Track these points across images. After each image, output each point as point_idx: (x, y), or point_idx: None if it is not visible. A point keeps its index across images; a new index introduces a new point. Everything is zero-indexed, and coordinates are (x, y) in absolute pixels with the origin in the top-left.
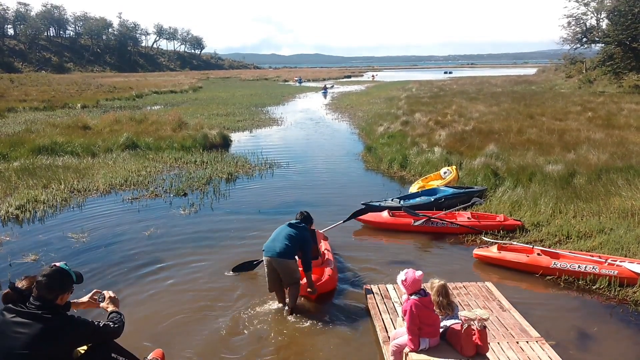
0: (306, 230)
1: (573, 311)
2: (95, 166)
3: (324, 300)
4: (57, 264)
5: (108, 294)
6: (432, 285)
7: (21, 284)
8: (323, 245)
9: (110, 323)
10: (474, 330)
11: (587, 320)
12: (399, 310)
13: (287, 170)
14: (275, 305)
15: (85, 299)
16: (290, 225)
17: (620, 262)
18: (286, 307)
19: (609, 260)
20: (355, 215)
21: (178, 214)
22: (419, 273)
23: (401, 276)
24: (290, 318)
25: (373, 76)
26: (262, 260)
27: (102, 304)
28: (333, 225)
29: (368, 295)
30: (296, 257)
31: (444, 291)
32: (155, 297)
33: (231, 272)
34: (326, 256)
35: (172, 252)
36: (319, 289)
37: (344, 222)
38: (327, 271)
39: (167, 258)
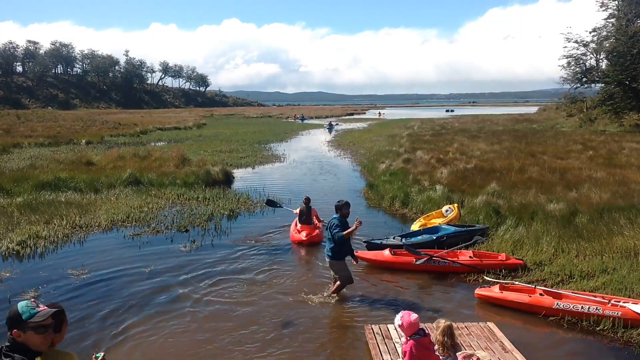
0: (332, 220)
1: (577, 353)
2: (97, 202)
3: (325, 337)
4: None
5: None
6: (437, 325)
7: None
8: (315, 219)
9: None
10: None
11: None
12: (400, 350)
13: (288, 207)
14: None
15: None
16: (326, 228)
17: (624, 303)
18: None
19: (612, 301)
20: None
21: (179, 250)
22: (414, 316)
23: (397, 321)
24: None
25: (379, 113)
26: (283, 205)
27: None
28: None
29: (369, 335)
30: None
31: (449, 332)
32: (157, 333)
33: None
34: (317, 224)
35: (173, 289)
36: (312, 240)
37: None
38: (318, 230)
39: (167, 294)
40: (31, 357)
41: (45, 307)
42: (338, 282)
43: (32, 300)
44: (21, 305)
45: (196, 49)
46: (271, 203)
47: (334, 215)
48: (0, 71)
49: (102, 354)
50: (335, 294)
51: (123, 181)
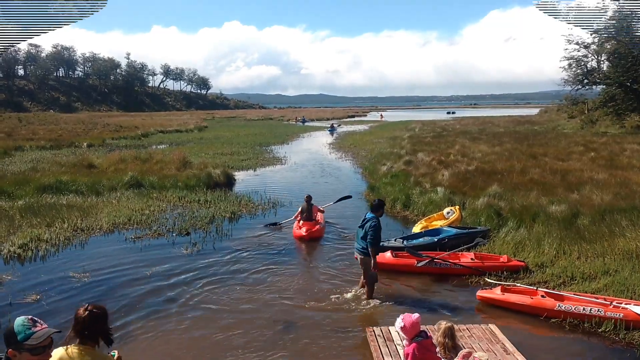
0: (371, 220)
1: (579, 355)
2: (99, 205)
3: (326, 339)
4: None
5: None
6: (438, 327)
7: None
8: (318, 214)
9: None
10: None
11: None
12: (402, 353)
13: (290, 209)
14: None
15: None
16: (361, 226)
17: (626, 304)
18: (364, 295)
19: (614, 303)
20: (342, 199)
21: (180, 253)
22: (415, 316)
23: (399, 323)
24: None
25: (380, 115)
26: (283, 223)
27: None
28: (327, 204)
29: (370, 338)
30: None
31: (450, 333)
32: (158, 335)
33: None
34: (319, 220)
35: (174, 291)
36: (312, 235)
37: (334, 203)
38: (318, 226)
39: (169, 296)
40: None
41: (44, 326)
42: (366, 281)
43: (29, 318)
44: (17, 323)
45: (197, 52)
46: (273, 224)
47: (371, 215)
48: (2, 74)
49: (117, 352)
50: (365, 292)
51: (124, 184)
